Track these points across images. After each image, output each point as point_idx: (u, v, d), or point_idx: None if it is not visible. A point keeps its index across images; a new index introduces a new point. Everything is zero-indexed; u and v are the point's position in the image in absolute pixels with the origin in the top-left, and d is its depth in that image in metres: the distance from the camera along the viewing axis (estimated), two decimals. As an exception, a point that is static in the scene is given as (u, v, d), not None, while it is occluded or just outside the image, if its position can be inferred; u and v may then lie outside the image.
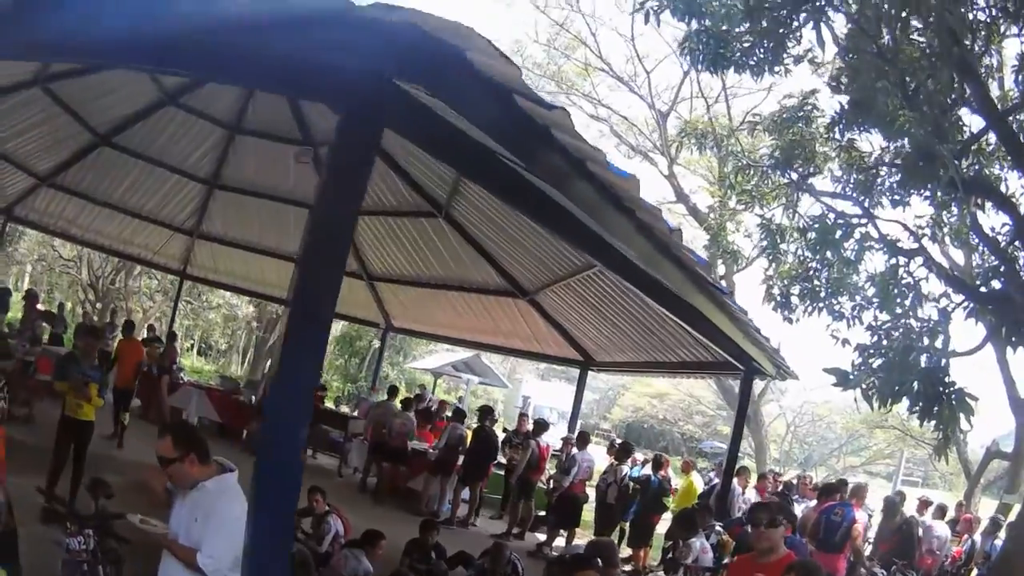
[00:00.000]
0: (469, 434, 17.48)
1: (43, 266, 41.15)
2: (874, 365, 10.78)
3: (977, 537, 16.72)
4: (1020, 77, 12.36)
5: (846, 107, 13.59)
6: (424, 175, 15.24)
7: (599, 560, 7.96)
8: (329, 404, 23.81)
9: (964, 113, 12.50)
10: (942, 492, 37.26)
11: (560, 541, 16.27)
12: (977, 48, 11.89)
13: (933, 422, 10.11)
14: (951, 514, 17.91)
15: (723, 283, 7.88)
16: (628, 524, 16.78)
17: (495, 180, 6.26)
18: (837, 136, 14.51)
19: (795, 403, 44.23)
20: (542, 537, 16.44)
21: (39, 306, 22.23)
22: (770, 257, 15.75)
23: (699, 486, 17.74)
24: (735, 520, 13.70)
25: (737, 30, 12.59)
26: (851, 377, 10.61)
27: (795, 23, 12.44)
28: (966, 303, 12.07)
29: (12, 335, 17.24)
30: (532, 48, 33.80)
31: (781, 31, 12.52)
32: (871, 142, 15.14)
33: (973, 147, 12.85)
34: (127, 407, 15.71)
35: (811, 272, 14.46)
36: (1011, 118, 12.44)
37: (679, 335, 13.41)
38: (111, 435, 14.86)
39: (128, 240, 22.43)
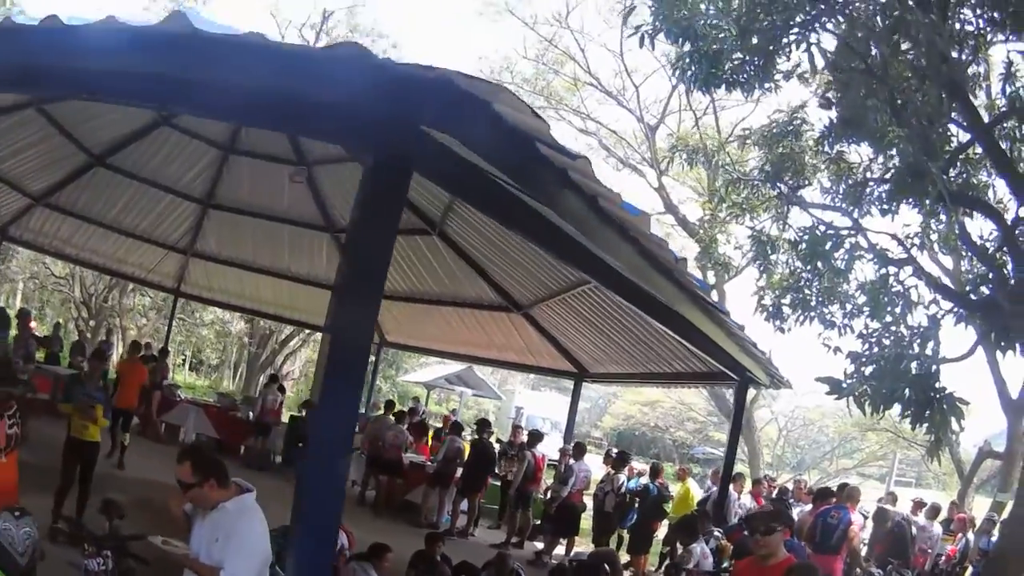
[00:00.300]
0: (467, 446, 17.71)
1: (35, 284, 41.23)
2: (866, 372, 10.98)
3: (971, 536, 16.87)
4: (1006, 86, 12.54)
5: (835, 122, 13.77)
6: (418, 194, 15.23)
7: (606, 567, 8.13)
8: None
9: (952, 126, 12.68)
10: (936, 492, 37.29)
11: (559, 550, 16.40)
12: (964, 57, 12.04)
13: (925, 426, 10.34)
14: (944, 514, 18.02)
15: (715, 293, 7.97)
16: (626, 531, 16.99)
17: (514, 217, 6.42)
18: (827, 149, 14.75)
19: (786, 408, 44.24)
20: (540, 546, 16.65)
21: (33, 327, 22.30)
22: (761, 268, 16.00)
23: (695, 492, 17.98)
24: (734, 526, 13.94)
25: (726, 47, 12.71)
26: (844, 385, 10.82)
27: (784, 40, 12.50)
28: (955, 309, 12.29)
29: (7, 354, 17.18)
30: (521, 64, 33.93)
31: (771, 48, 12.60)
32: (859, 153, 15.38)
33: (961, 156, 13.09)
34: (127, 427, 15.66)
35: (802, 282, 14.64)
36: (998, 127, 12.66)
37: (673, 347, 13.50)
38: (108, 454, 14.80)
39: (122, 259, 22.48)
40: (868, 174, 14.81)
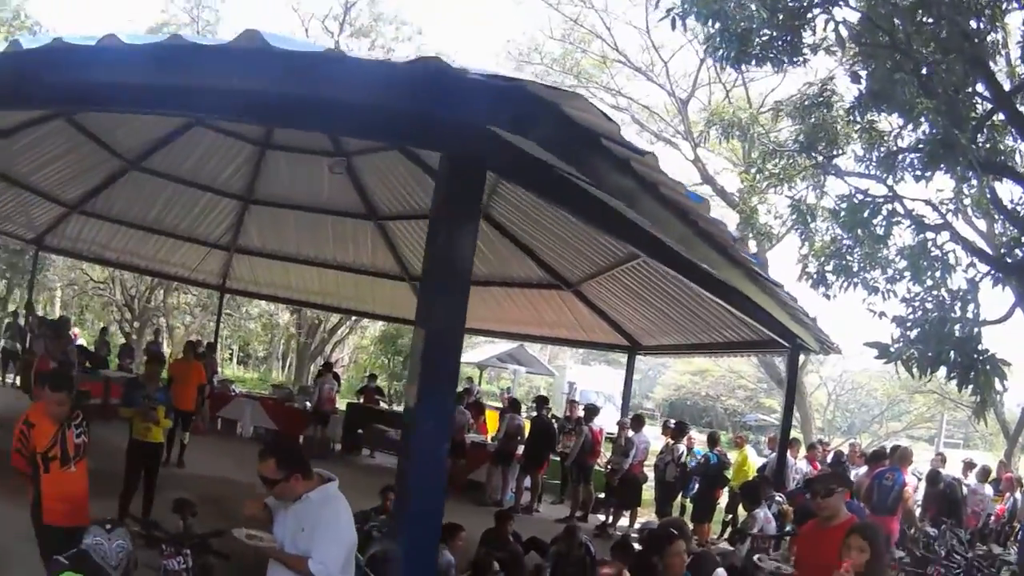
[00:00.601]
0: (527, 423, 17.84)
1: (74, 290, 41.16)
2: (912, 336, 11.10)
3: (1019, 495, 17.02)
4: (1024, 52, 12.74)
5: (864, 93, 13.84)
6: None
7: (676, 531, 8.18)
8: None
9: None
10: (983, 452, 37.29)
11: (622, 521, 16.59)
12: (982, 27, 12.17)
13: (970, 387, 10.49)
14: (993, 474, 18.15)
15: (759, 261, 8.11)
16: (689, 500, 17.30)
17: (583, 207, 6.54)
18: (857, 119, 14.81)
19: (834, 373, 43.99)
20: (603, 518, 16.75)
21: (75, 334, 22.54)
22: (802, 236, 16.15)
23: (752, 459, 18.11)
24: (795, 490, 14.17)
25: (754, 26, 12.86)
26: (892, 349, 10.95)
27: (809, 16, 12.82)
28: (992, 272, 12.42)
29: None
30: (549, 45, 33.77)
31: (796, 23, 12.86)
32: (889, 122, 15.47)
33: (987, 123, 13.18)
34: (187, 427, 15.51)
35: (843, 249, 14.73)
36: (1019, 95, 12.88)
37: (724, 317, 13.54)
38: (167, 454, 14.44)
39: (165, 259, 22.55)
40: (899, 142, 14.88)
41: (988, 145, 13.37)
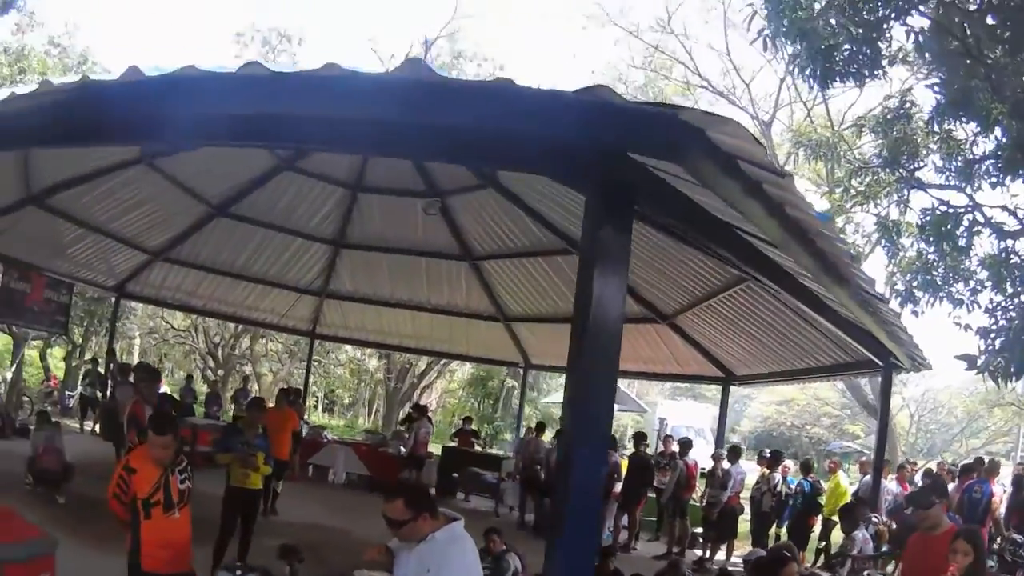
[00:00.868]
0: (623, 461, 17.71)
1: (154, 338, 41.20)
2: (996, 346, 11.05)
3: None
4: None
5: (942, 102, 13.83)
6: (557, 213, 15.23)
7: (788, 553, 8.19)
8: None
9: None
10: (1060, 462, 36.96)
11: (719, 555, 16.57)
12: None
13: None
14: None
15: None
16: (784, 529, 17.08)
17: (710, 233, 6.48)
18: (935, 129, 14.86)
19: (916, 393, 44.07)
20: (699, 553, 16.69)
21: (162, 387, 22.80)
22: (889, 253, 16.14)
23: (845, 484, 17.88)
24: (896, 508, 14.91)
25: (836, 42, 12.99)
26: (979, 361, 10.91)
27: (885, 27, 12.98)
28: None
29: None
30: (631, 73, 33.82)
31: (874, 35, 12.97)
32: (965, 130, 15.35)
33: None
34: (281, 476, 14.95)
35: (929, 263, 14.72)
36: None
37: (818, 340, 13.48)
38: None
39: (253, 306, 22.58)
40: (974, 149, 14.94)
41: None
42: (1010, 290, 12.68)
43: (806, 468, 17.78)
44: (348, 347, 38.36)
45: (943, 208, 14.72)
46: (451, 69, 35.05)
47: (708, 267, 13.38)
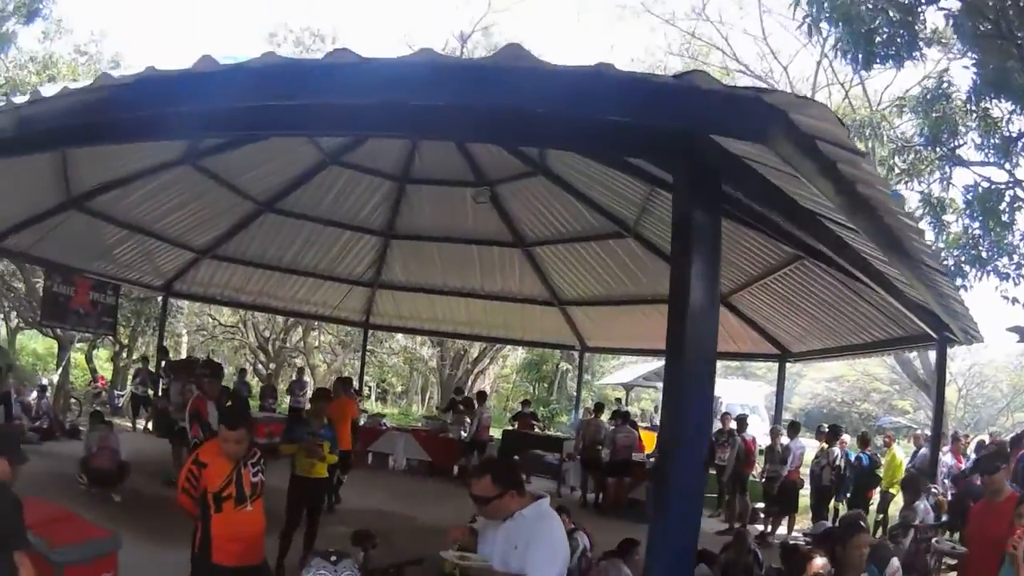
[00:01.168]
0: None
1: (202, 335, 41.46)
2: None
3: None
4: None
5: (978, 82, 14.08)
6: (608, 198, 15.23)
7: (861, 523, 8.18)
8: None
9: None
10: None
11: (781, 529, 16.60)
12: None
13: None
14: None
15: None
16: (843, 503, 17.12)
17: (786, 212, 6.44)
18: (973, 108, 14.97)
19: (963, 367, 43.89)
20: (760, 528, 16.70)
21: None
22: (935, 229, 16.14)
23: (900, 457, 18.17)
24: (962, 473, 15.29)
25: (875, 25, 13.10)
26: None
27: (920, 9, 13.22)
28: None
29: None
30: (670, 61, 33.65)
31: (909, 18, 13.19)
32: (1001, 108, 15.44)
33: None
34: (346, 469, 14.77)
35: (975, 239, 14.71)
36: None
37: (871, 315, 13.48)
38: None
39: (304, 300, 22.68)
40: (1010, 127, 15.16)
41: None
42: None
43: (863, 442, 17.97)
44: (400, 336, 38.56)
45: (985, 184, 14.84)
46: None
47: (763, 246, 13.36)
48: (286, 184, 17.08)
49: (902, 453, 18.80)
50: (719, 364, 44.11)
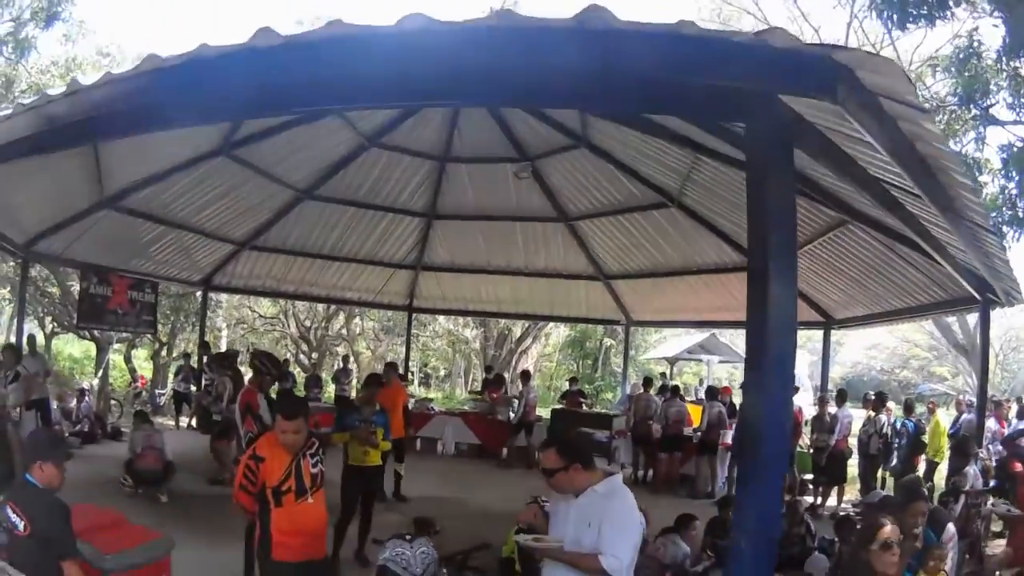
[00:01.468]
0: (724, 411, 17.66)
1: (243, 328, 41.27)
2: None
3: None
4: None
5: (1007, 40, 14.12)
6: (652, 168, 15.20)
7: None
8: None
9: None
10: None
11: (830, 500, 16.48)
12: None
13: None
14: None
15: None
16: (888, 473, 17.12)
17: (847, 171, 6.37)
18: (1004, 67, 15.04)
19: (999, 332, 43.34)
20: (809, 499, 16.40)
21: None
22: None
23: (944, 424, 18.13)
24: (1011, 435, 15.24)
25: None
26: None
27: None
28: None
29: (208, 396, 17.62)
30: (704, 26, 33.84)
31: None
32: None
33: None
34: (401, 457, 14.49)
35: (1012, 199, 14.61)
36: None
37: (915, 278, 13.49)
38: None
39: (347, 286, 22.66)
40: None
41: None
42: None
43: (909, 408, 18.00)
44: (442, 319, 38.73)
45: (1020, 144, 14.76)
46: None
47: (808, 212, 13.29)
48: (325, 170, 17.16)
49: (946, 420, 18.81)
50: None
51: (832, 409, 16.51)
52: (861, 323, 18.55)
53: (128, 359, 33.20)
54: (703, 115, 6.97)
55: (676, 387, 19.41)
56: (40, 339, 30.77)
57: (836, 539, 10.00)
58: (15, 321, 20.00)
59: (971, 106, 16.11)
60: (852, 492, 17.06)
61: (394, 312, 30.57)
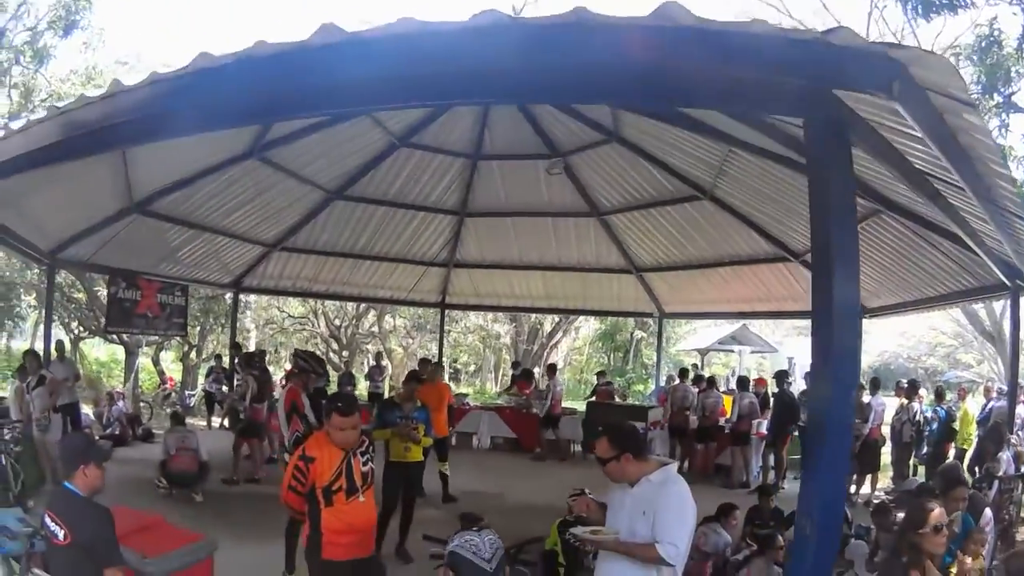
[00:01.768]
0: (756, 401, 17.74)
1: (272, 328, 41.53)
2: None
3: None
4: None
5: None
6: (685, 162, 15.23)
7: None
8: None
9: None
10: None
11: (864, 489, 16.45)
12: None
13: None
14: None
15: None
16: (919, 461, 17.24)
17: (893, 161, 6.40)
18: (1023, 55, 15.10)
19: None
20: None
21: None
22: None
23: (973, 411, 18.20)
24: None
25: None
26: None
27: None
28: None
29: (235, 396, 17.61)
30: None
31: None
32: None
33: None
34: (444, 456, 14.44)
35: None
36: None
37: (945, 265, 13.51)
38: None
39: (379, 284, 22.75)
40: None
41: None
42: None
43: (939, 395, 18.05)
44: (473, 315, 38.82)
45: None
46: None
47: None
48: (355, 170, 17.30)
49: (975, 407, 18.86)
50: (792, 324, 44.23)
51: (866, 397, 16.34)
52: (892, 311, 18.51)
53: (156, 361, 33.44)
54: (759, 111, 7.00)
55: (712, 378, 19.47)
56: (67, 344, 30.96)
57: (872, 526, 10.03)
58: (42, 327, 20.01)
59: (994, 94, 16.21)
60: (884, 480, 17.06)
61: (424, 309, 30.60)
